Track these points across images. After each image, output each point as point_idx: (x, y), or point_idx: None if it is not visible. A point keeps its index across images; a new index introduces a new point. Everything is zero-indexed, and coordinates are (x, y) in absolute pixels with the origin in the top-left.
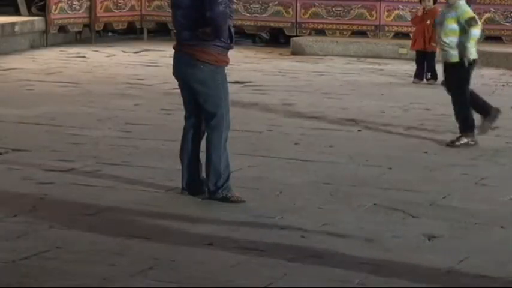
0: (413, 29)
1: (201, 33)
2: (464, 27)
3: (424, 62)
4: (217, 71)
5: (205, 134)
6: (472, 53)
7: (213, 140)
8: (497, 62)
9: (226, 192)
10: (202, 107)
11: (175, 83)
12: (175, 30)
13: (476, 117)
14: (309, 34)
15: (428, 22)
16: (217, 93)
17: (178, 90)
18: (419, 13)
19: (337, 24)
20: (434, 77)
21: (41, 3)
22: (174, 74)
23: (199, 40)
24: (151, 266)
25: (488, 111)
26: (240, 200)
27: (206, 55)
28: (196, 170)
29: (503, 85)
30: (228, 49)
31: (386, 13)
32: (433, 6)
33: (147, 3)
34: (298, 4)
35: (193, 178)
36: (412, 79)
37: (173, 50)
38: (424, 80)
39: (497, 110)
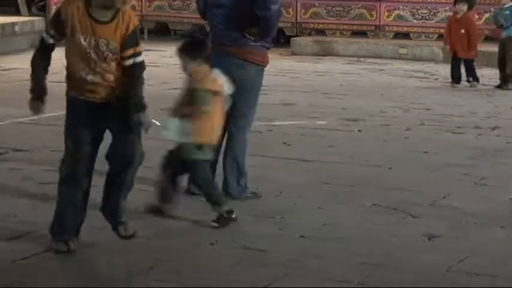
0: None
1: (248, 34)
2: None
3: (459, 66)
4: (261, 72)
5: (229, 134)
6: None
7: (239, 139)
8: (496, 62)
9: (248, 189)
10: (236, 106)
11: (175, 83)
12: (211, 31)
13: None
14: (309, 34)
15: (463, 31)
16: (255, 94)
17: (178, 91)
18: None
19: (337, 24)
20: (476, 80)
21: (41, 3)
22: None
23: (245, 40)
24: (151, 266)
25: None
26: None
27: (253, 55)
28: (213, 171)
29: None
30: (268, 49)
31: (386, 13)
32: (465, 14)
33: (147, 3)
34: (298, 4)
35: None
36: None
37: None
38: (460, 83)
39: None
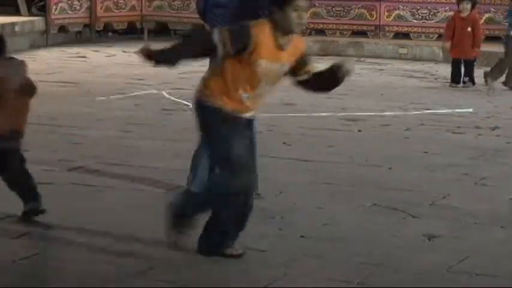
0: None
1: None
2: None
3: (461, 67)
4: None
5: None
6: None
7: None
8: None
9: None
10: None
11: (175, 83)
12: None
13: None
14: (309, 34)
15: (469, 29)
16: None
17: (178, 90)
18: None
19: (337, 24)
20: (471, 81)
21: (41, 3)
22: None
23: None
24: (151, 266)
25: None
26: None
27: None
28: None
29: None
30: None
31: (386, 13)
32: (470, 12)
33: (147, 3)
34: None
35: None
36: (448, 83)
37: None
38: (461, 84)
39: None
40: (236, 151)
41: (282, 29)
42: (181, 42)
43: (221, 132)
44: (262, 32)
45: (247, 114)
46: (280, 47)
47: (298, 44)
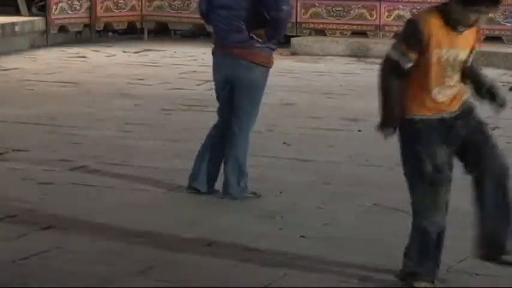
0: None
1: (255, 35)
2: None
3: None
4: (267, 73)
5: (232, 134)
6: None
7: (242, 140)
8: (497, 62)
9: (248, 189)
10: (240, 107)
11: (175, 83)
12: (216, 32)
13: None
14: (309, 34)
15: None
16: (260, 95)
17: (178, 91)
18: None
19: (337, 24)
20: None
21: (41, 3)
22: (217, 77)
23: (252, 42)
24: (151, 266)
25: None
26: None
27: (259, 57)
28: (217, 170)
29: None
30: (273, 51)
31: (386, 13)
32: None
33: (147, 3)
34: (298, 4)
35: (214, 177)
36: None
37: (212, 54)
38: None
39: None
40: (428, 167)
41: (453, 22)
42: (380, 88)
43: (414, 148)
44: (432, 23)
45: (447, 113)
46: (454, 32)
47: (474, 31)
